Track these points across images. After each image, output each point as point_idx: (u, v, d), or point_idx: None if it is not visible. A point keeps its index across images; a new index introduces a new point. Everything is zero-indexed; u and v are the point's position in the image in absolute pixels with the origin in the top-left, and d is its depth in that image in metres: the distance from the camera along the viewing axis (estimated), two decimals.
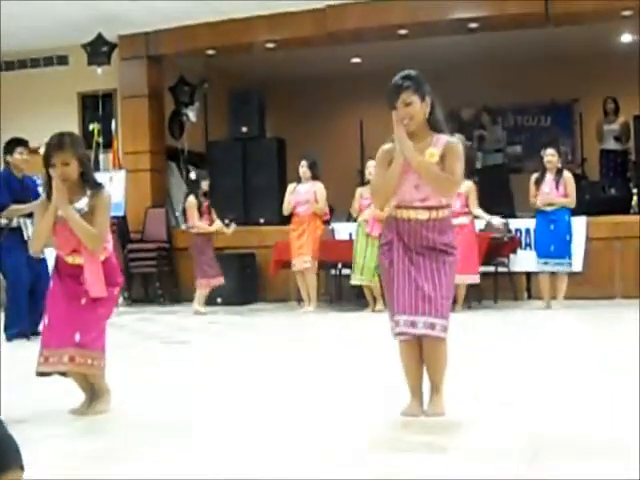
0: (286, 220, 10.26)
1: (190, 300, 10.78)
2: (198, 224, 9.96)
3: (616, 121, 12.84)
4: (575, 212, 9.37)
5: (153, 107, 12.34)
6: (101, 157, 12.08)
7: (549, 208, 9.23)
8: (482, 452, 3.31)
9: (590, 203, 10.75)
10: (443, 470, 3.09)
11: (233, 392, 4.88)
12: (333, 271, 10.85)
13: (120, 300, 11.41)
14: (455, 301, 9.13)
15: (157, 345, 7.37)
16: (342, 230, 10.96)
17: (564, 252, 9.21)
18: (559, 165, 9.24)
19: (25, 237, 7.45)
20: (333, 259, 10.33)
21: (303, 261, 9.85)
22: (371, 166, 9.76)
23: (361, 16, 10.96)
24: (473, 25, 10.93)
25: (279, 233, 10.34)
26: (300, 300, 10.29)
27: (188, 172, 13.03)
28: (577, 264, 9.77)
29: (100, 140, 12.03)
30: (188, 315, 9.90)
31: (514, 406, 4.17)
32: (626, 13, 10.50)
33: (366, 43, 12.10)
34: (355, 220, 9.91)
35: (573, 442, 3.42)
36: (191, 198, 10.02)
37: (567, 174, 9.28)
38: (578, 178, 9.65)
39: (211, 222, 10.03)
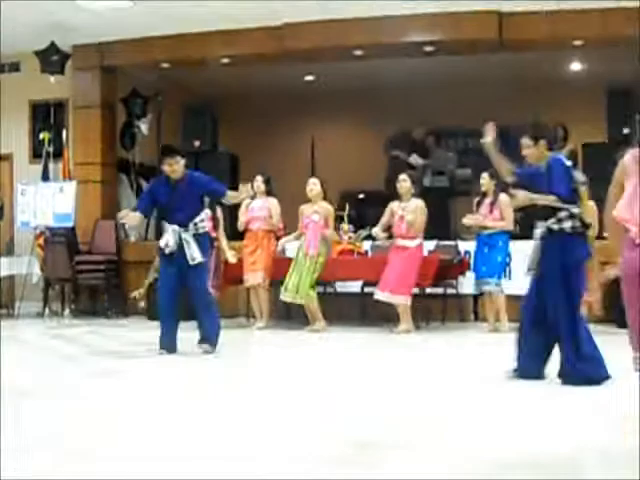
0: (238, 236, 10.23)
1: (137, 314, 10.71)
2: None
3: (564, 147, 13.01)
4: (522, 236, 9.33)
5: (105, 118, 12.22)
6: (51, 167, 11.90)
7: (485, 232, 9.30)
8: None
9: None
10: None
11: (184, 411, 4.86)
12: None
13: (66, 312, 11.33)
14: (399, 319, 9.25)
15: (108, 359, 7.29)
16: (292, 248, 10.91)
17: (493, 272, 9.23)
18: (494, 188, 9.23)
19: (162, 246, 7.39)
20: (282, 276, 10.30)
21: (258, 277, 9.83)
22: (312, 183, 9.75)
23: (318, 35, 10.95)
24: (429, 48, 11.03)
25: (231, 249, 10.24)
26: (249, 316, 10.23)
27: (139, 185, 12.95)
28: (519, 286, 9.80)
29: (50, 150, 11.87)
30: (136, 330, 9.79)
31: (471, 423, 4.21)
32: (577, 42, 10.71)
33: (321, 62, 12.13)
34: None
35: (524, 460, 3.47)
36: None
37: (503, 197, 9.12)
38: None
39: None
